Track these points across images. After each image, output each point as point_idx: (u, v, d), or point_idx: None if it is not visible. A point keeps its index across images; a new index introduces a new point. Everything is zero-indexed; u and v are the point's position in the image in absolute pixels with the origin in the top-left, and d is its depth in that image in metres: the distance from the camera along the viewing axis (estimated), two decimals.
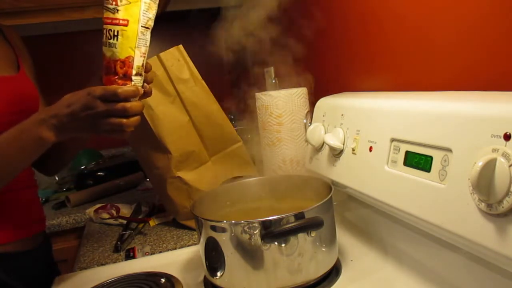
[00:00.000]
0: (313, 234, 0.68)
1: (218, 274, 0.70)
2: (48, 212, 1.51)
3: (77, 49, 1.91)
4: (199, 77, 1.07)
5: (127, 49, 0.69)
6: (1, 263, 0.93)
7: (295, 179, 0.88)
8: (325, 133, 0.92)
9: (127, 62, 0.69)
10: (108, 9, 0.68)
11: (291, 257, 0.67)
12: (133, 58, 0.70)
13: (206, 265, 0.73)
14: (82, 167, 1.75)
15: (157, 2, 0.72)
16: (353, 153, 0.81)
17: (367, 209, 0.87)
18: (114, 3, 0.68)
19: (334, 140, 0.85)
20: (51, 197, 1.68)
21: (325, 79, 1.20)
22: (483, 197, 0.49)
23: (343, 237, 0.87)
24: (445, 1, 0.71)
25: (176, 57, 1.05)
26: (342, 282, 0.71)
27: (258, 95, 1.10)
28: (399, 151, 0.68)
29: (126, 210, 1.28)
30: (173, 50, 1.05)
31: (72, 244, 1.45)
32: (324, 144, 0.92)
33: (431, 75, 0.77)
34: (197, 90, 1.07)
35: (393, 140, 0.69)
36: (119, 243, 1.03)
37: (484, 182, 0.48)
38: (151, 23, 0.71)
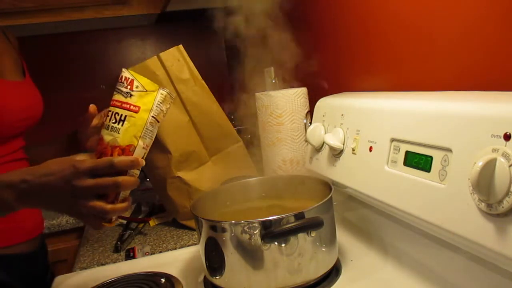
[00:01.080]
0: (313, 234, 0.68)
1: (218, 274, 0.70)
2: (48, 212, 1.51)
3: (77, 49, 1.91)
4: (199, 77, 1.07)
5: (131, 137, 0.63)
6: (3, 265, 0.94)
7: (295, 179, 0.88)
8: (325, 133, 0.92)
9: (127, 151, 0.63)
10: (121, 92, 0.65)
11: (291, 257, 0.67)
12: (135, 148, 0.64)
13: (206, 265, 0.73)
14: None
15: (173, 98, 0.69)
16: (353, 153, 0.81)
17: (367, 209, 0.87)
18: (129, 87, 0.65)
19: (334, 140, 0.85)
20: None
21: (325, 79, 1.20)
22: (483, 197, 0.49)
23: (343, 237, 0.87)
24: (445, 1, 0.71)
25: (176, 57, 1.05)
26: (342, 282, 0.71)
27: (258, 95, 1.10)
28: (399, 151, 0.68)
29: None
30: (173, 50, 1.05)
31: (72, 244, 1.45)
32: (324, 144, 0.92)
33: (431, 75, 0.77)
34: (197, 90, 1.07)
35: (393, 140, 0.69)
36: (119, 243, 1.03)
37: (484, 182, 0.48)
38: (162, 117, 0.67)
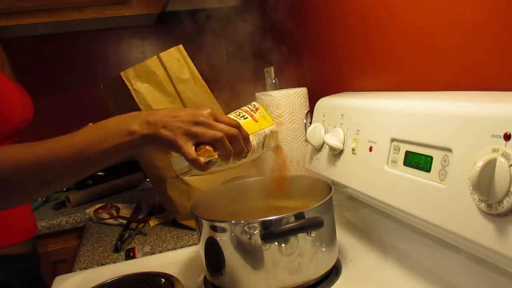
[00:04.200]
0: (313, 234, 0.68)
1: (218, 274, 0.70)
2: (48, 212, 1.51)
3: (77, 49, 1.90)
4: (199, 77, 1.07)
5: (246, 129, 0.71)
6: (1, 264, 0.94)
7: (295, 179, 0.88)
8: (325, 133, 0.92)
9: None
10: (248, 107, 0.78)
11: (291, 257, 0.67)
12: (252, 142, 0.72)
13: (206, 265, 0.73)
14: None
15: (277, 140, 0.80)
16: (353, 153, 0.81)
17: (367, 209, 0.87)
18: (254, 110, 0.77)
19: (334, 140, 0.85)
20: (51, 197, 1.68)
21: (325, 79, 1.20)
22: (483, 197, 0.49)
23: (343, 237, 0.87)
24: (445, 1, 0.71)
25: (176, 57, 1.05)
26: (342, 282, 0.71)
27: (258, 95, 1.10)
28: (399, 151, 0.68)
29: (126, 210, 1.28)
30: (173, 50, 1.05)
31: (72, 244, 1.45)
32: (324, 144, 0.92)
33: (431, 75, 0.77)
34: (197, 90, 1.06)
35: (393, 140, 0.69)
36: (119, 243, 1.03)
37: (484, 182, 0.48)
38: (266, 145, 0.76)
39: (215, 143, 0.64)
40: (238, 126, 0.67)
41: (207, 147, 0.64)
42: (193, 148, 0.63)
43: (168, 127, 0.62)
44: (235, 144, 0.66)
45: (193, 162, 0.62)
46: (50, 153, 0.61)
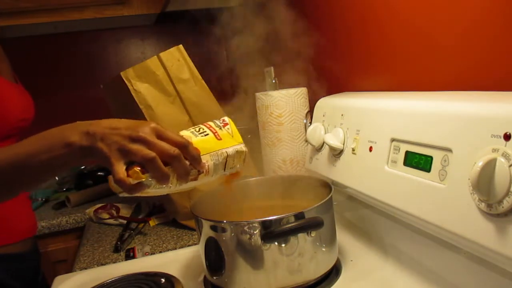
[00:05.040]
0: (313, 234, 0.68)
1: (218, 274, 0.70)
2: (48, 212, 1.51)
3: (77, 49, 1.90)
4: (199, 77, 1.07)
5: (201, 148, 0.65)
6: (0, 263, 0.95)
7: (295, 179, 0.88)
8: (325, 133, 0.92)
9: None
10: (214, 122, 0.71)
11: (291, 257, 0.67)
12: (207, 163, 0.66)
13: (206, 265, 0.73)
14: (82, 167, 1.75)
15: (245, 159, 0.72)
16: (353, 153, 0.81)
17: (367, 209, 0.87)
18: (222, 124, 0.71)
19: (334, 140, 0.85)
20: (51, 197, 1.68)
21: (325, 79, 1.20)
22: (483, 197, 0.49)
23: (343, 237, 0.87)
24: (445, 1, 0.71)
25: (176, 57, 1.05)
26: (342, 282, 0.71)
27: (258, 95, 1.10)
28: (399, 151, 0.68)
29: (126, 210, 1.28)
30: (173, 50, 1.05)
31: (72, 244, 1.45)
32: (324, 144, 0.92)
33: (431, 75, 0.77)
34: (197, 90, 1.07)
35: (393, 140, 0.69)
36: (119, 243, 1.03)
37: (484, 182, 0.48)
38: (229, 166, 0.70)
39: (145, 164, 0.58)
40: (183, 145, 0.61)
41: (136, 168, 0.58)
42: (124, 167, 0.58)
43: (105, 140, 0.58)
44: (175, 165, 0.60)
45: (119, 183, 0.57)
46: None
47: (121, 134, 0.58)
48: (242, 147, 0.70)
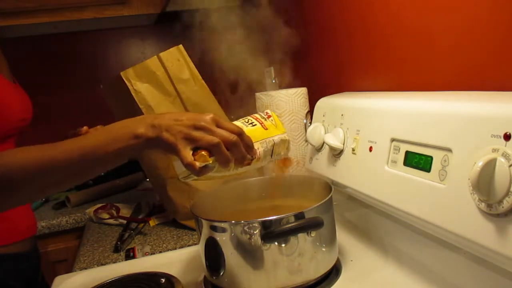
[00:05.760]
0: (313, 234, 0.68)
1: (218, 274, 0.70)
2: (48, 212, 1.51)
3: (77, 49, 1.90)
4: (199, 77, 1.07)
5: (252, 136, 0.70)
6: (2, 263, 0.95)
7: (295, 179, 0.88)
8: (325, 133, 0.92)
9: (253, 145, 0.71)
10: (260, 114, 0.77)
11: (291, 257, 0.67)
12: (258, 150, 0.72)
13: (206, 265, 0.73)
14: None
15: (288, 148, 0.78)
16: (353, 153, 0.81)
17: (367, 209, 0.87)
18: (266, 116, 0.76)
19: (334, 140, 0.85)
20: (51, 197, 1.68)
21: (325, 79, 1.20)
22: (483, 197, 0.49)
23: (343, 237, 0.87)
24: (445, 1, 0.71)
25: (176, 57, 1.05)
26: (342, 282, 0.71)
27: (258, 95, 1.10)
28: (399, 151, 0.68)
29: (126, 210, 1.28)
30: (173, 50, 1.05)
31: (72, 244, 1.45)
32: (324, 144, 0.91)
33: (431, 75, 0.77)
34: (197, 90, 1.07)
35: (393, 140, 0.69)
36: (119, 243, 1.03)
37: (484, 182, 0.48)
38: (275, 153, 0.75)
39: (211, 149, 0.63)
40: (239, 133, 0.66)
41: (203, 152, 0.63)
42: (191, 152, 0.63)
43: (170, 130, 0.63)
44: (234, 151, 0.65)
45: (188, 166, 0.62)
46: (59, 155, 0.63)
47: (184, 125, 0.63)
48: (285, 136, 0.77)
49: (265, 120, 0.76)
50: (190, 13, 1.19)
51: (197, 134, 0.63)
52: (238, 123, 0.73)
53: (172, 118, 0.64)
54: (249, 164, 0.70)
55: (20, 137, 1.07)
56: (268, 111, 0.79)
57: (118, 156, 0.64)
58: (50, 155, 0.62)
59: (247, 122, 0.74)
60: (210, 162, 0.63)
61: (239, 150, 0.66)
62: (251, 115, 0.77)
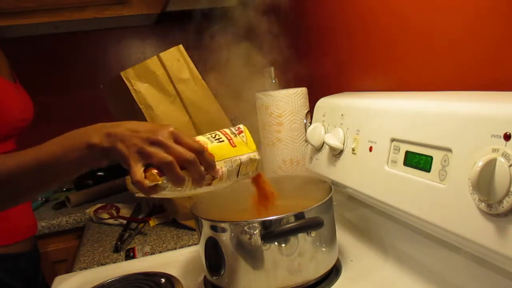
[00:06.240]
0: (313, 234, 0.68)
1: (218, 274, 0.70)
2: (48, 212, 1.51)
3: (77, 49, 1.90)
4: (199, 77, 1.07)
5: (217, 155, 0.66)
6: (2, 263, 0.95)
7: (295, 179, 0.88)
8: (325, 133, 0.92)
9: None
10: (230, 130, 0.72)
11: (291, 257, 0.67)
12: (221, 169, 0.67)
13: (206, 265, 0.73)
14: None
15: (258, 167, 0.73)
16: (353, 153, 0.81)
17: (367, 209, 0.87)
18: (237, 132, 0.72)
19: (334, 140, 0.85)
20: (51, 197, 1.68)
21: (325, 79, 1.20)
22: (483, 197, 0.49)
23: (343, 237, 0.87)
24: (445, 1, 0.71)
25: (176, 57, 1.05)
26: (342, 282, 0.71)
27: (258, 95, 1.10)
28: (399, 151, 0.68)
29: (126, 210, 1.28)
30: (173, 50, 1.05)
31: (72, 244, 1.45)
32: (324, 144, 0.91)
33: (432, 75, 0.77)
34: (197, 90, 1.07)
35: (393, 140, 0.69)
36: (119, 243, 1.03)
37: (484, 182, 0.48)
38: (242, 173, 0.70)
39: (162, 167, 0.59)
40: (198, 151, 0.61)
41: (153, 171, 0.59)
42: (142, 169, 0.59)
43: (125, 142, 0.59)
44: (191, 170, 0.61)
45: (136, 184, 0.58)
46: (19, 165, 0.62)
47: (141, 137, 0.59)
48: (255, 155, 0.71)
49: (235, 136, 0.71)
50: (190, 13, 1.19)
51: (151, 149, 0.59)
52: (204, 138, 0.68)
53: (129, 128, 0.60)
54: (209, 184, 0.66)
55: (20, 137, 1.07)
56: (241, 126, 0.74)
57: (75, 167, 0.62)
58: (12, 165, 0.62)
59: (214, 138, 0.69)
60: (160, 182, 0.59)
61: (196, 169, 0.61)
62: (221, 130, 0.72)
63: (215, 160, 0.65)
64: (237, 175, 0.70)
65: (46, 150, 0.62)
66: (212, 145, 0.67)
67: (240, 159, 0.68)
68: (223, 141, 0.69)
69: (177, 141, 0.61)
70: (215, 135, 0.70)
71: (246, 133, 0.73)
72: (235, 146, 0.69)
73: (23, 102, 1.04)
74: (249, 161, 0.70)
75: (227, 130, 0.72)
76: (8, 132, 0.98)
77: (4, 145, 0.98)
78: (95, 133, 0.60)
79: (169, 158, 0.59)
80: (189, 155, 0.60)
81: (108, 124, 0.62)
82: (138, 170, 0.58)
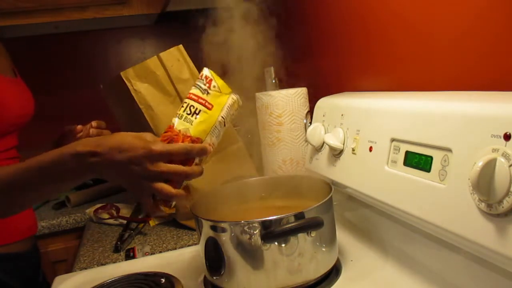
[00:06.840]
0: (313, 234, 0.68)
1: (218, 274, 0.70)
2: (48, 212, 1.51)
3: (77, 49, 1.90)
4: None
5: (201, 131, 0.66)
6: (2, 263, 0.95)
7: (295, 179, 0.88)
8: (325, 133, 0.92)
9: (196, 142, 0.66)
10: (199, 88, 0.68)
11: (291, 257, 0.67)
12: (202, 141, 0.67)
13: (206, 265, 0.73)
14: None
15: (240, 105, 0.73)
16: (353, 153, 0.81)
17: (367, 209, 0.87)
18: (207, 85, 0.68)
19: (334, 140, 0.85)
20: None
21: (325, 79, 1.20)
22: (483, 197, 0.49)
23: (343, 237, 0.87)
24: (445, 1, 0.71)
25: (176, 57, 1.05)
26: (342, 282, 0.71)
27: (258, 95, 1.10)
28: (399, 151, 0.68)
29: (126, 210, 1.28)
30: (173, 50, 1.05)
31: (72, 244, 1.45)
32: (324, 144, 0.91)
33: (431, 75, 0.77)
34: None
35: (393, 140, 0.69)
36: (119, 243, 1.03)
37: (484, 182, 0.48)
38: (228, 120, 0.70)
39: (169, 200, 0.66)
40: (187, 153, 0.64)
41: (163, 207, 0.66)
42: (152, 201, 0.65)
43: (111, 176, 0.66)
44: (189, 177, 0.67)
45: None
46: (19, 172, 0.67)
47: (138, 174, 0.62)
48: (232, 97, 0.70)
49: (207, 94, 0.67)
50: (190, 13, 1.19)
51: (155, 186, 0.63)
52: (182, 121, 0.66)
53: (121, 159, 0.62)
54: (207, 161, 0.68)
55: (21, 137, 1.07)
56: (207, 72, 0.69)
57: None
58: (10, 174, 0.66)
59: (190, 113, 0.66)
60: (171, 209, 0.66)
61: (193, 173, 0.66)
62: (190, 96, 0.68)
63: (202, 138, 0.66)
64: (224, 125, 0.70)
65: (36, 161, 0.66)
66: (193, 126, 0.66)
67: (222, 116, 0.68)
68: (200, 111, 0.67)
69: (168, 157, 0.63)
70: (189, 107, 0.67)
71: (215, 78, 0.69)
72: (212, 106, 0.67)
73: (23, 98, 1.03)
74: (230, 108, 0.69)
75: (197, 91, 0.68)
76: (7, 129, 0.98)
77: (4, 141, 0.98)
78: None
79: (173, 192, 0.64)
80: (182, 170, 0.64)
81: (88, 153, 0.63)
82: (149, 203, 0.65)
